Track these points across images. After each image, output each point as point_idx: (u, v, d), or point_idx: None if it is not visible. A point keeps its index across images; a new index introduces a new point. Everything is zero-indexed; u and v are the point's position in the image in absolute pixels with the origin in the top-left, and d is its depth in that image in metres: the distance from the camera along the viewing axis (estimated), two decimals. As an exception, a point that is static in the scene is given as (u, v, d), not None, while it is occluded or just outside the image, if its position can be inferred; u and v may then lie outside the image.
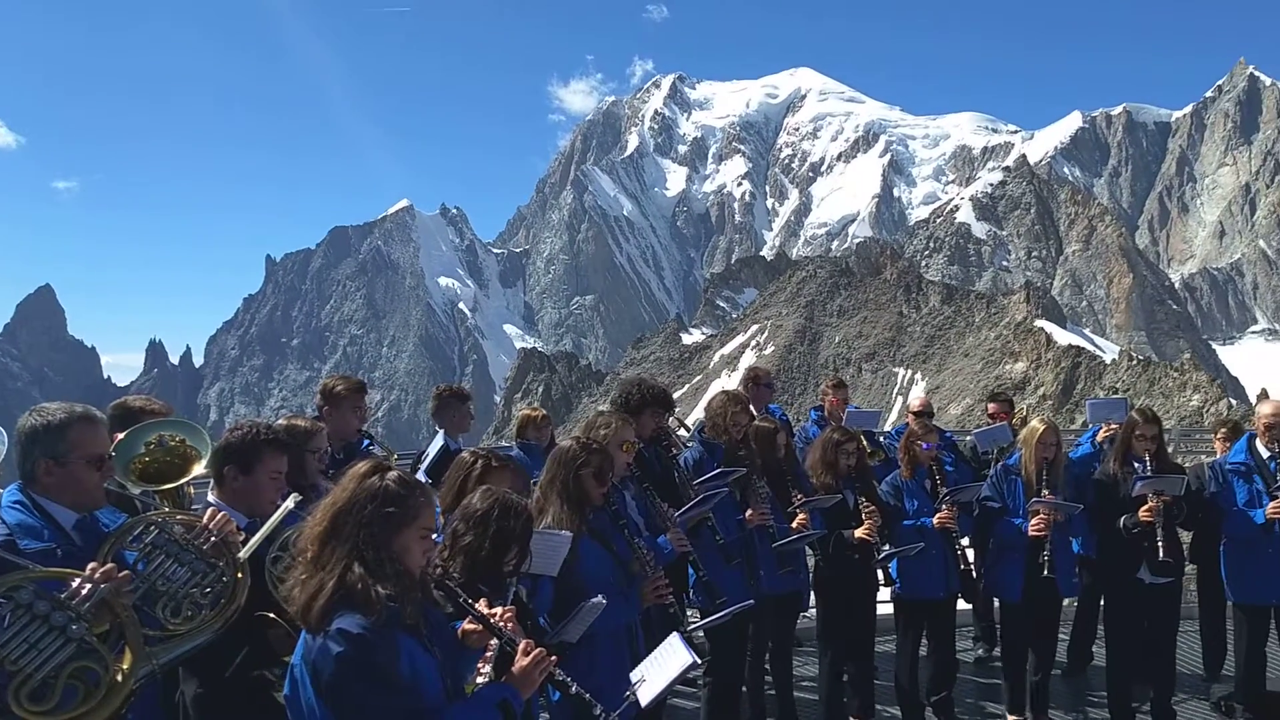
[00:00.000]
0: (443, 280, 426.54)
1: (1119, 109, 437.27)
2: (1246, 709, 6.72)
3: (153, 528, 3.48)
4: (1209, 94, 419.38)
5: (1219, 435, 8.31)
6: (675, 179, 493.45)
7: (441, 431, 6.94)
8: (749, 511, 6.25)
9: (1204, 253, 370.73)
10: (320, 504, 3.07)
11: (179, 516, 3.61)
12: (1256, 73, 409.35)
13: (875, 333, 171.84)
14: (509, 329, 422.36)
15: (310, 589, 2.89)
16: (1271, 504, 6.41)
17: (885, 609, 7.33)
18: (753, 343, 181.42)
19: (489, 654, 3.15)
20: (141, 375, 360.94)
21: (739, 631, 6.15)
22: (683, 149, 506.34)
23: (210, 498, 3.98)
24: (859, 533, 6.55)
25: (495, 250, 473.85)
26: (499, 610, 3.21)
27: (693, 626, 4.76)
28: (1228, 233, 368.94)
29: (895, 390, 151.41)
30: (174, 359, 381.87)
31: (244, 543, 3.65)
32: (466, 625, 3.21)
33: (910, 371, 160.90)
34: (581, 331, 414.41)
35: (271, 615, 3.55)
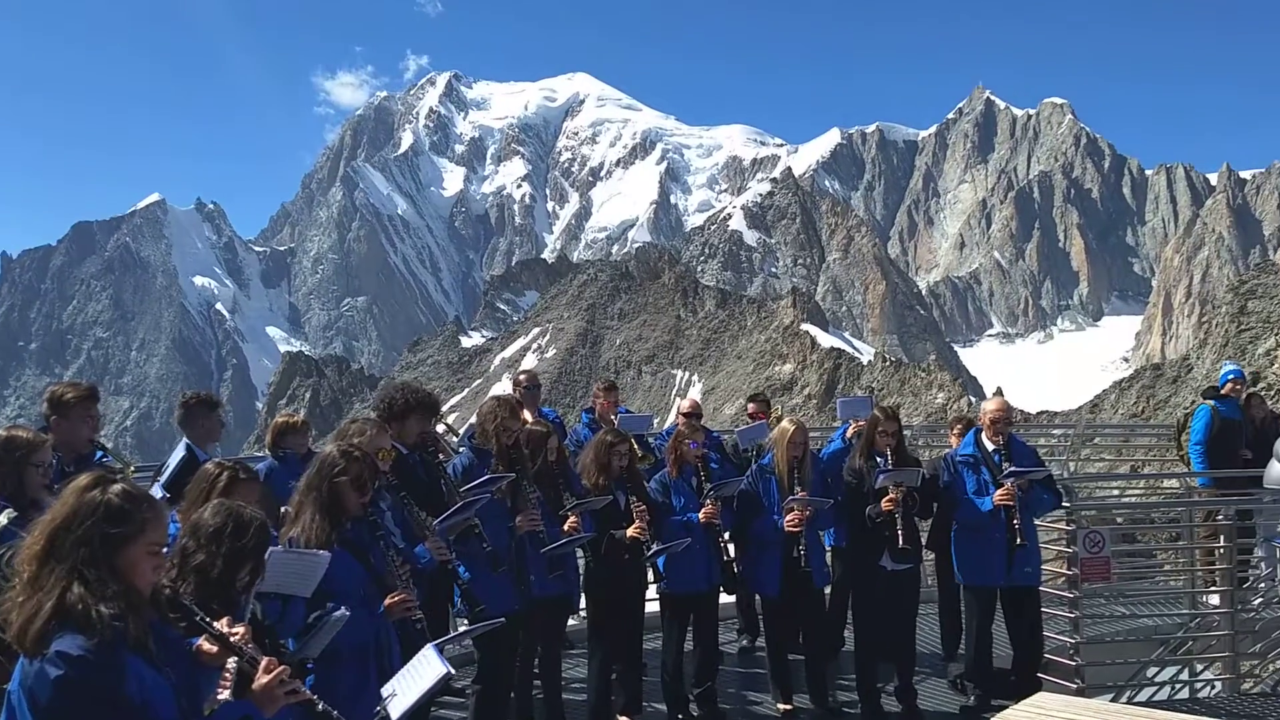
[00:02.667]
0: (198, 280, 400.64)
1: (872, 127, 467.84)
2: (976, 685, 7.28)
3: None
4: (951, 116, 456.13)
5: (954, 430, 9.00)
6: (452, 179, 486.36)
7: (184, 441, 6.48)
8: (519, 517, 6.22)
9: (947, 262, 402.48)
10: (39, 521, 2.89)
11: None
12: (992, 97, 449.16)
13: (654, 335, 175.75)
14: (272, 331, 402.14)
15: (27, 611, 2.72)
16: (997, 491, 6.98)
17: (652, 606, 7.48)
18: (534, 346, 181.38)
19: (229, 673, 3.05)
20: None
21: (507, 638, 6.09)
22: (460, 148, 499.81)
23: (-83, 516, 3.59)
24: (630, 532, 6.66)
25: (257, 248, 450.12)
26: (238, 629, 3.11)
27: (440, 640, 4.68)
28: (967, 244, 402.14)
29: (674, 391, 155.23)
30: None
31: (-46, 565, 3.35)
32: (202, 643, 3.07)
33: (688, 373, 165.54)
34: (353, 334, 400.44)
35: None
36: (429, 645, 4.05)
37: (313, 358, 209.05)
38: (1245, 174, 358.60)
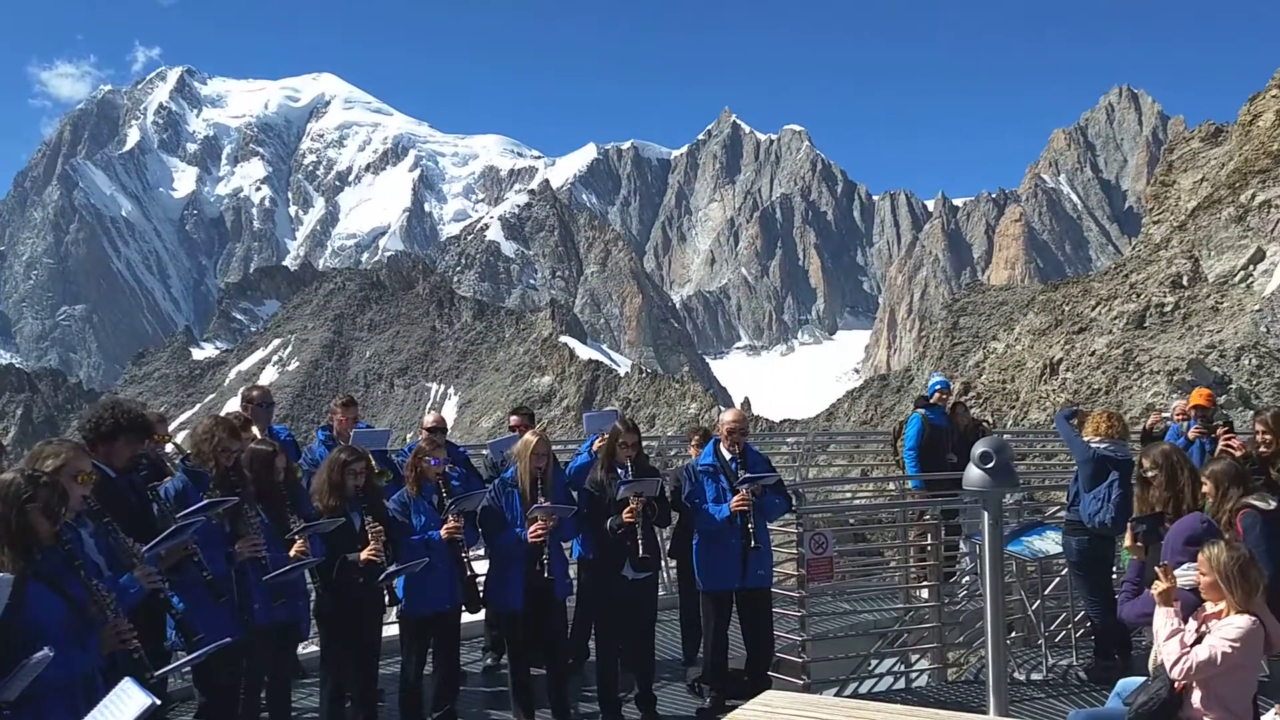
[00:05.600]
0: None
1: (628, 144, 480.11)
2: (712, 688, 7.52)
3: None
4: (701, 137, 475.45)
5: (693, 441, 9.29)
6: (184, 179, 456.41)
7: None
8: (239, 543, 5.87)
9: (699, 277, 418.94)
10: None
11: None
12: (739, 121, 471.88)
13: (408, 347, 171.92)
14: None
15: None
16: (734, 498, 7.25)
17: (391, 628, 7.25)
18: (274, 358, 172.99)
19: None
20: None
21: (228, 670, 5.77)
22: (192, 147, 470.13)
23: None
24: (364, 554, 6.46)
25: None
26: None
27: (158, 672, 4.33)
28: (717, 260, 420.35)
29: (429, 405, 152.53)
30: None
31: None
32: None
33: (443, 386, 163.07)
34: (70, 345, 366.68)
35: None
36: (127, 678, 3.79)
37: (24, 371, 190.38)
38: (958, 201, 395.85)
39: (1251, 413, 10.48)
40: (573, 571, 8.02)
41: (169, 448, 7.38)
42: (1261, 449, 7.42)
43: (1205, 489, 6.19)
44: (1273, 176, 37.66)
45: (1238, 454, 7.24)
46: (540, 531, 6.81)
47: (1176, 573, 5.11)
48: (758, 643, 7.47)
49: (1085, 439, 8.14)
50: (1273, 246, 35.82)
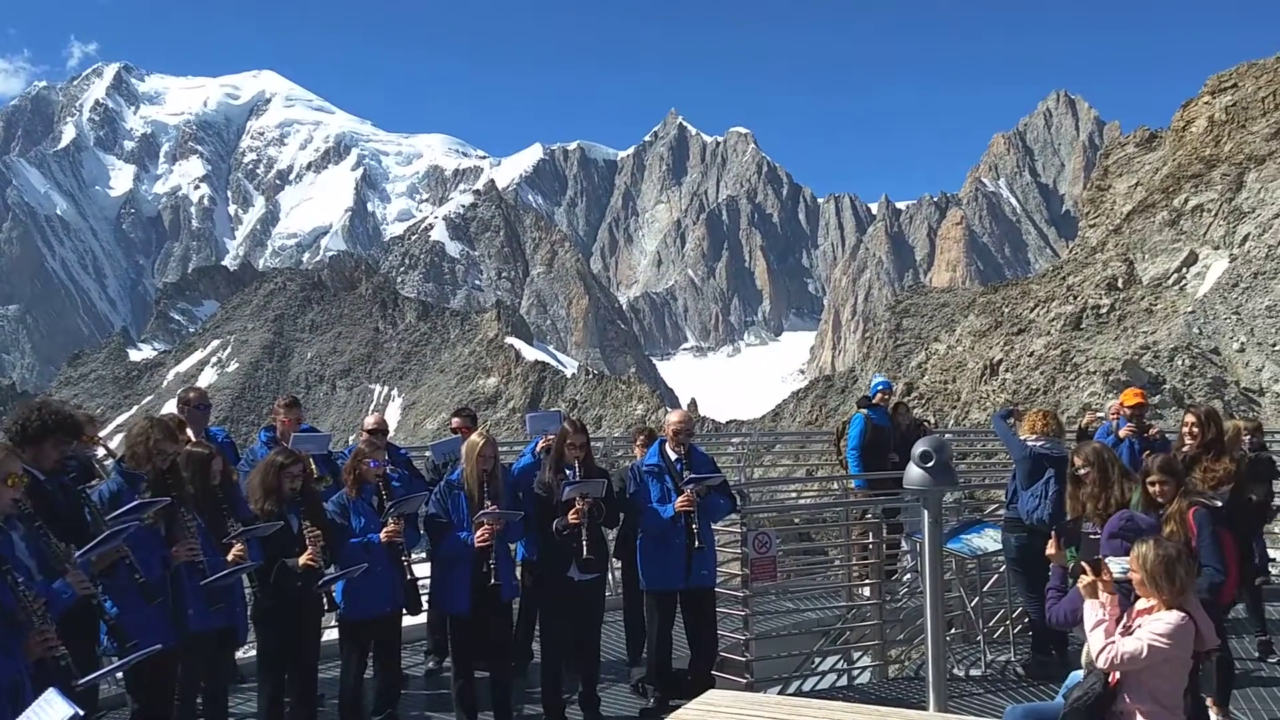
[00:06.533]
0: None
1: (574, 145, 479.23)
2: (656, 688, 7.52)
3: None
4: (647, 138, 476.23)
5: (638, 442, 9.27)
6: (121, 177, 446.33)
7: None
8: (175, 547, 5.74)
9: (645, 279, 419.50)
10: None
11: None
12: (685, 123, 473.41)
13: (351, 348, 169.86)
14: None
15: None
16: (680, 498, 7.26)
17: (330, 633, 7.14)
18: (214, 359, 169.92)
19: None
20: None
21: (162, 676, 5.65)
22: (130, 145, 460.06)
23: None
24: (303, 560, 6.34)
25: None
26: None
27: (83, 680, 4.23)
28: (664, 262, 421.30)
29: (372, 407, 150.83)
30: None
31: None
32: None
33: (387, 387, 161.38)
34: (3, 346, 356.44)
35: None
36: (52, 688, 3.69)
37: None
38: (901, 204, 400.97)
39: (1184, 412, 10.76)
40: (518, 573, 7.97)
41: (100, 451, 7.21)
42: (1186, 445, 7.61)
43: (1164, 486, 6.30)
44: (1205, 181, 38.72)
45: None
46: (488, 536, 6.77)
47: (1109, 561, 5.21)
48: (701, 642, 7.49)
49: (1022, 437, 8.28)
50: (1205, 250, 36.82)
